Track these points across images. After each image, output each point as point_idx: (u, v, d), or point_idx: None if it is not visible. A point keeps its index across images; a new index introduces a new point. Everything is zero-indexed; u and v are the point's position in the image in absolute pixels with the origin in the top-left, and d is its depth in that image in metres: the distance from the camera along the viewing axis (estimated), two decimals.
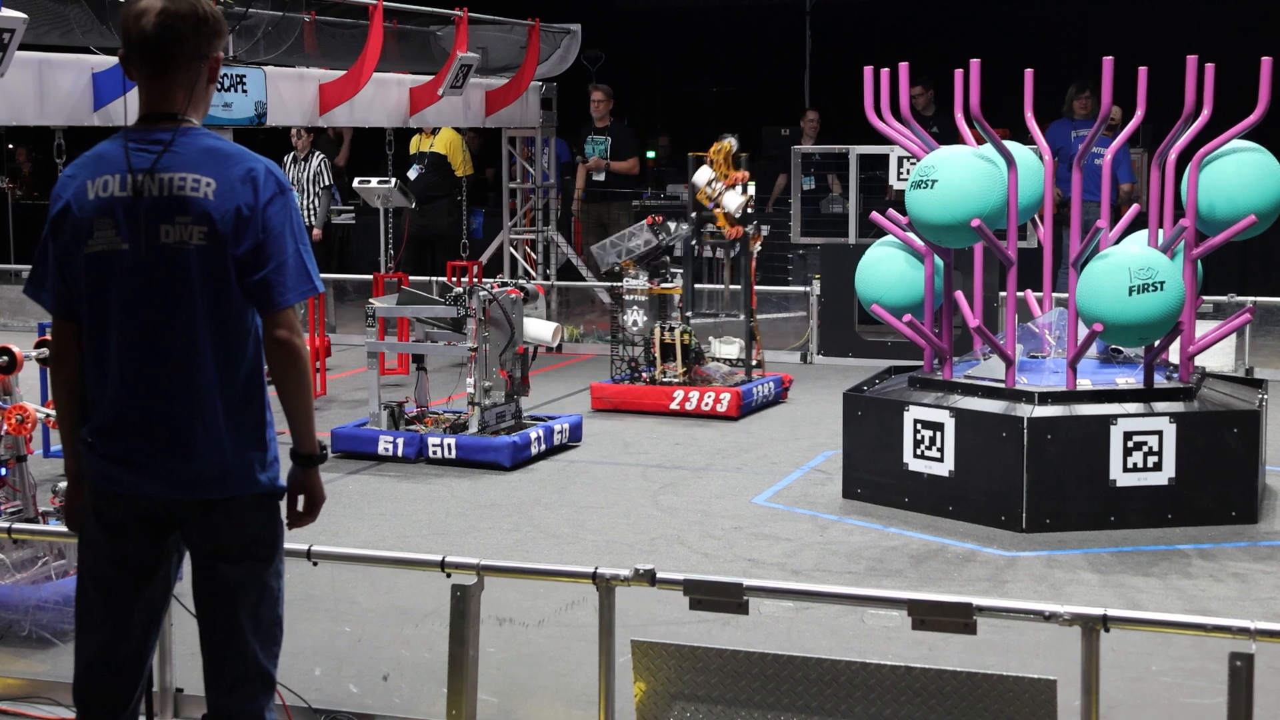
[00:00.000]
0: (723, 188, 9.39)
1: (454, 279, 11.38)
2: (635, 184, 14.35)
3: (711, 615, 4.66)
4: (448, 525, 6.88)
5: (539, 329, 8.30)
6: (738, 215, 9.45)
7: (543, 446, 8.13)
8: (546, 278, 12.94)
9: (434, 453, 7.97)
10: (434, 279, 12.23)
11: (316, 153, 13.72)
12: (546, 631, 5.34)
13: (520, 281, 8.53)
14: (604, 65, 17.03)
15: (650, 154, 17.25)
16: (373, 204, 11.52)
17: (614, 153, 13.87)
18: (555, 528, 6.82)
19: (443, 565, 3.98)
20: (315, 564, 4.16)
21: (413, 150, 13.85)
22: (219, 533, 3.36)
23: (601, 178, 13.97)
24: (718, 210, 9.39)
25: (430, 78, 10.84)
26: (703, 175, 9.47)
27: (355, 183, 11.37)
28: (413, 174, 13.68)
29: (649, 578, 3.82)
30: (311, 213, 13.95)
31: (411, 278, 11.05)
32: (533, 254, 13.11)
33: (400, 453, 8.03)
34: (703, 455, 8.27)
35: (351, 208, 16.09)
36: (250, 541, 3.38)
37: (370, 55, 9.80)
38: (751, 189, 9.60)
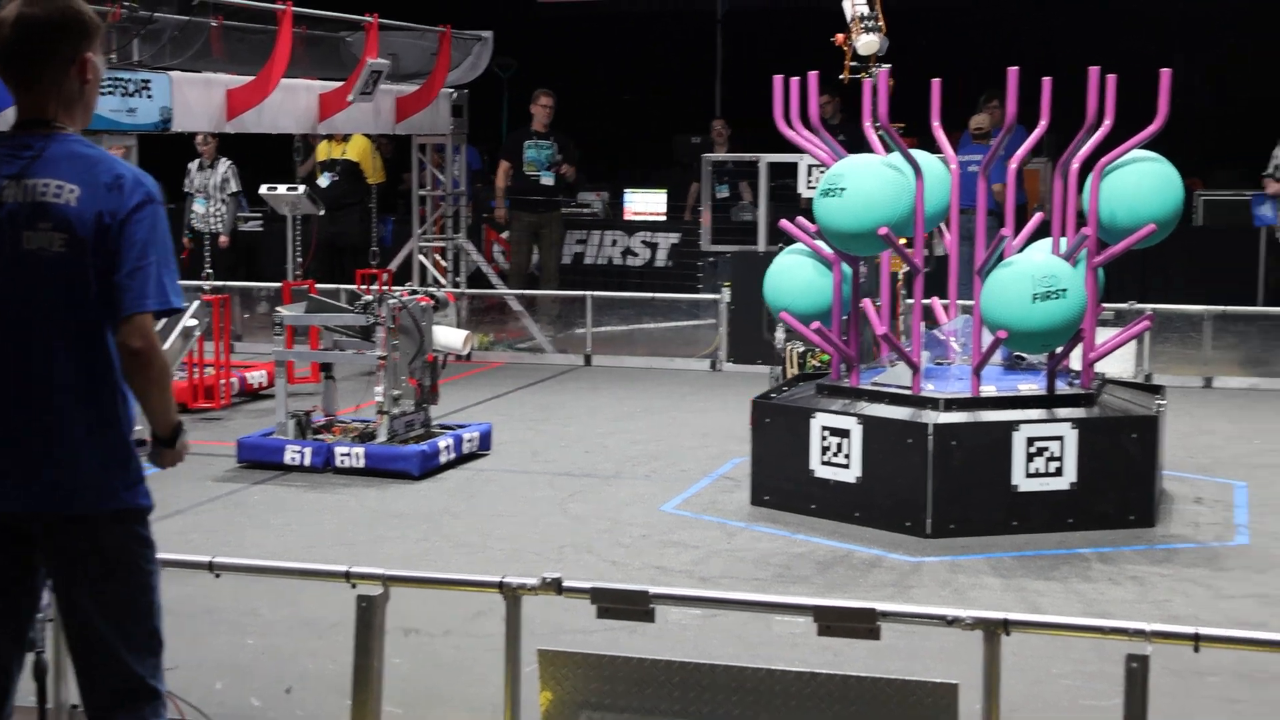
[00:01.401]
0: (875, 25, 8.01)
1: (363, 287, 11.32)
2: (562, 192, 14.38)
3: (619, 623, 4.66)
4: (354, 535, 6.83)
5: (449, 337, 8.26)
6: (868, 61, 8.04)
7: (452, 455, 8.10)
8: (456, 285, 12.89)
9: (342, 462, 7.90)
10: (343, 287, 12.14)
11: (223, 159, 13.60)
12: (453, 641, 5.32)
13: (430, 289, 8.46)
14: (516, 73, 17.01)
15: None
16: (281, 211, 11.43)
17: (559, 157, 13.92)
18: (463, 537, 6.80)
19: (348, 576, 3.95)
20: (217, 575, 4.12)
21: (321, 157, 13.76)
22: (78, 548, 3.29)
23: (551, 183, 13.94)
24: (847, 47, 8.04)
25: (340, 84, 10.77)
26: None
27: (263, 189, 11.28)
28: (325, 181, 13.60)
29: (556, 586, 3.82)
30: (219, 219, 13.82)
31: (320, 285, 10.96)
32: (442, 262, 13.06)
33: (308, 462, 7.95)
34: (612, 463, 8.28)
35: (259, 214, 15.97)
36: (111, 558, 3.30)
37: (279, 61, 9.72)
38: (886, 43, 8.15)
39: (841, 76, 7.65)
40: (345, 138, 13.49)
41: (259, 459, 8.07)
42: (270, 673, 5.03)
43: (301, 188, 11.08)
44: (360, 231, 13.19)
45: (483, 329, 12.68)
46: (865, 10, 7.89)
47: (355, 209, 13.52)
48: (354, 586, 3.91)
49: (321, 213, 11.61)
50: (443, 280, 12.94)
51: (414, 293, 8.21)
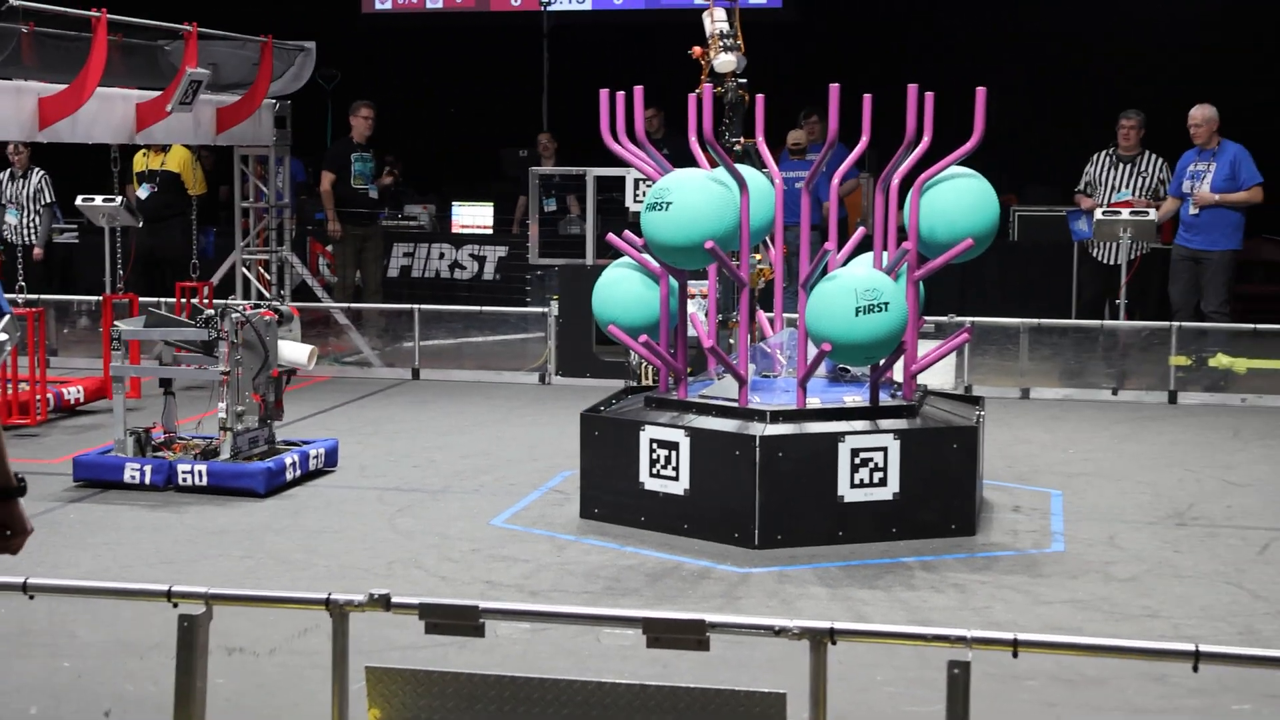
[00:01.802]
0: (734, 44, 7.94)
1: (183, 300, 11.09)
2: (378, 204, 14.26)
3: (448, 639, 4.62)
4: (175, 554, 6.68)
5: (294, 352, 8.10)
6: (724, 79, 7.97)
7: (298, 472, 7.96)
8: (281, 298, 12.69)
9: (184, 480, 7.70)
10: (163, 300, 11.88)
11: (36, 169, 13.23)
12: (279, 660, 5.23)
13: (274, 303, 8.28)
14: (340, 84, 16.83)
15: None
16: (97, 222, 11.16)
17: (380, 171, 13.84)
18: (288, 554, 6.69)
19: (169, 595, 3.85)
20: (31, 597, 3.98)
21: (138, 168, 13.46)
22: None
23: (376, 196, 13.88)
24: (705, 61, 7.99)
25: (158, 93, 10.54)
26: (721, 15, 8.02)
27: (78, 200, 10.99)
28: (144, 193, 13.31)
29: (384, 602, 3.77)
30: (32, 231, 13.44)
31: (141, 299, 10.72)
32: (266, 274, 12.85)
33: (148, 480, 7.74)
34: (440, 477, 8.22)
35: (74, 226, 15.57)
36: None
37: (93, 69, 9.47)
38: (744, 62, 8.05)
39: (697, 91, 7.68)
40: (165, 148, 13.20)
41: (97, 478, 7.83)
42: (88, 696, 4.89)
43: (119, 199, 10.82)
44: (181, 244, 12.93)
45: (307, 342, 12.47)
46: (725, 27, 7.91)
47: (175, 221, 13.24)
48: (175, 606, 3.81)
49: (140, 225, 11.35)
50: (266, 293, 12.74)
51: (257, 306, 8.05)
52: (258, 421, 8.01)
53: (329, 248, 15.01)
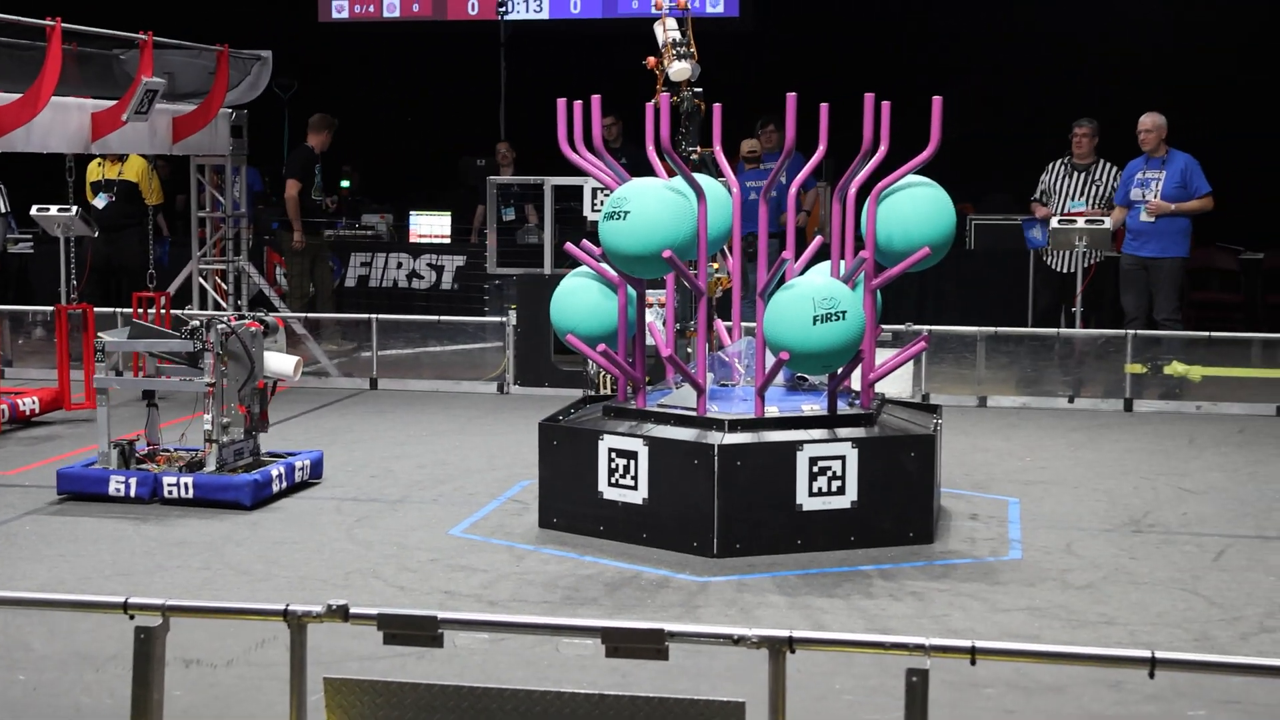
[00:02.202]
0: (688, 52, 7.83)
1: (139, 310, 11.02)
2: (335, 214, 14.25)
3: (407, 649, 4.61)
4: (133, 565, 6.64)
5: (280, 363, 8.03)
6: (679, 87, 7.84)
7: (284, 484, 7.89)
8: (238, 308, 12.63)
9: (170, 492, 7.63)
10: (119, 310, 11.81)
11: None
12: (236, 672, 5.20)
13: (259, 314, 8.19)
14: (297, 93, 16.78)
15: (344, 183, 17.08)
16: (52, 232, 11.07)
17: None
18: (246, 565, 6.65)
19: (125, 606, 3.83)
20: None
21: (93, 178, 13.38)
22: None
23: (331, 208, 13.96)
24: (660, 71, 7.83)
25: (114, 102, 10.48)
26: (673, 25, 7.88)
27: (33, 210, 10.91)
28: (101, 202, 13.23)
29: (342, 613, 3.76)
30: None
31: (97, 309, 10.65)
32: (223, 284, 12.79)
33: (133, 493, 7.66)
34: (398, 487, 8.19)
35: (29, 236, 15.47)
36: None
37: (48, 78, 9.41)
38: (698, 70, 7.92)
39: (654, 101, 7.66)
40: (121, 158, 13.13)
41: (81, 490, 7.75)
42: (43, 709, 4.85)
43: (74, 209, 10.76)
44: (137, 253, 12.85)
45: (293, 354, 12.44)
46: (678, 36, 7.90)
47: (132, 231, 13.17)
48: (132, 618, 3.79)
49: (96, 234, 11.28)
50: (223, 303, 12.68)
51: (241, 317, 7.99)
52: (243, 433, 7.93)
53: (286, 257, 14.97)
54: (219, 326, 7.71)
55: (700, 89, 7.69)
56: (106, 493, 7.71)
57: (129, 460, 7.89)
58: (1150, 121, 11.88)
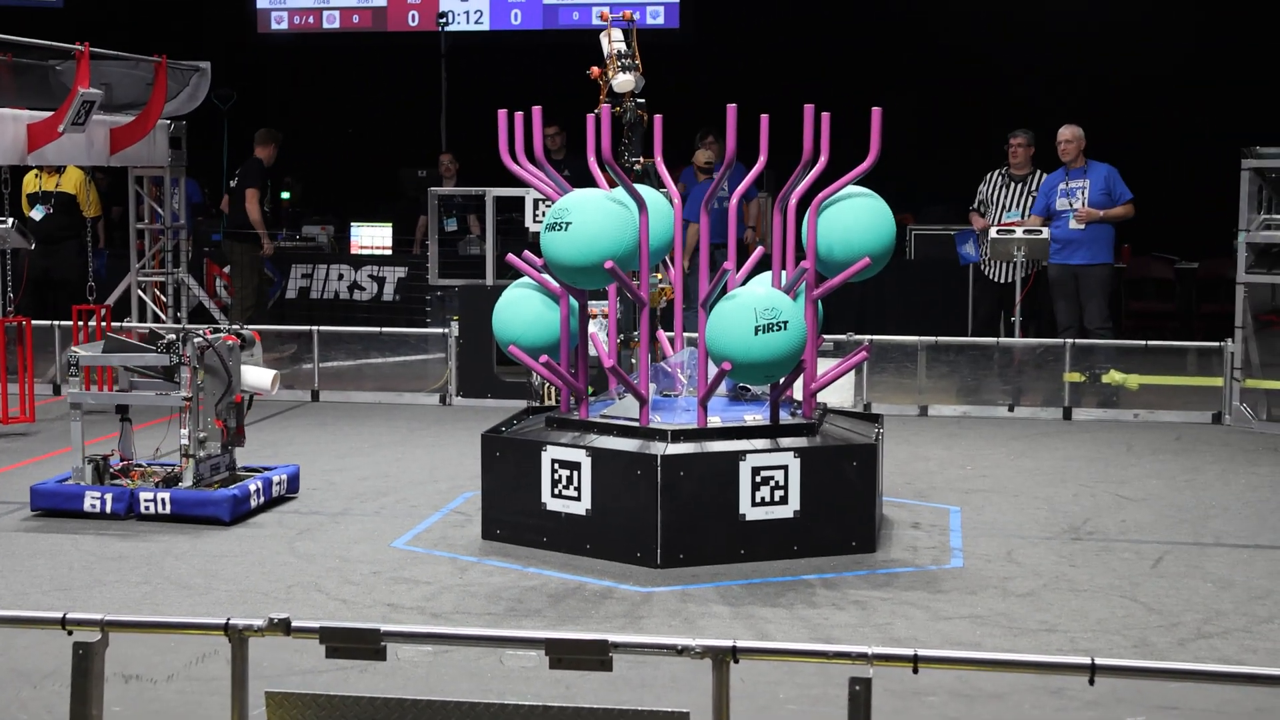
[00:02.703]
0: (633, 63, 7.90)
1: (80, 324, 10.92)
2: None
3: (349, 662, 4.57)
4: (71, 580, 6.57)
5: (257, 377, 7.93)
6: (623, 98, 7.90)
7: (262, 499, 7.81)
8: (178, 320, 12.54)
9: (147, 508, 7.52)
10: (56, 324, 11.69)
11: None
12: (177, 687, 5.15)
13: (236, 327, 8.07)
14: (236, 104, 16.68)
15: (284, 195, 16.99)
16: None
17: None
18: (186, 579, 6.60)
19: (63, 622, 3.79)
20: None
21: (30, 189, 13.26)
22: None
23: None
24: (603, 81, 7.88)
25: (50, 114, 10.38)
26: (618, 36, 7.98)
27: None
28: (38, 214, 13.11)
29: (284, 627, 3.73)
30: None
31: (35, 322, 10.54)
32: (163, 296, 12.69)
33: (109, 509, 7.55)
34: (340, 500, 8.15)
35: None
36: None
37: None
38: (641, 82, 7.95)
39: (596, 111, 7.65)
40: (59, 169, 13.02)
41: (55, 507, 7.62)
42: None
43: (10, 220, 10.65)
44: (76, 266, 12.74)
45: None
46: (623, 48, 7.90)
47: (71, 243, 13.05)
48: (70, 633, 3.75)
49: (33, 246, 11.17)
50: (163, 315, 12.58)
51: (217, 331, 7.88)
52: (219, 448, 7.83)
53: (226, 269, 14.88)
54: (195, 340, 7.60)
55: (643, 100, 7.71)
56: (82, 509, 7.58)
57: (103, 475, 7.77)
58: (1070, 133, 12.05)
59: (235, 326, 8.03)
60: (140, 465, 7.97)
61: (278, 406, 11.26)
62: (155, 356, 7.77)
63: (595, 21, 18.95)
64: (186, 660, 5.31)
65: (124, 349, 7.97)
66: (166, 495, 7.55)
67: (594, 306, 7.94)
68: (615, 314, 7.67)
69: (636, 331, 7.34)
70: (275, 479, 8.02)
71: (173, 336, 7.71)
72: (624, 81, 7.74)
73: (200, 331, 7.80)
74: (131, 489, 7.63)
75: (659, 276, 7.74)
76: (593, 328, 7.68)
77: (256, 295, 14.06)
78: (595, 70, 7.75)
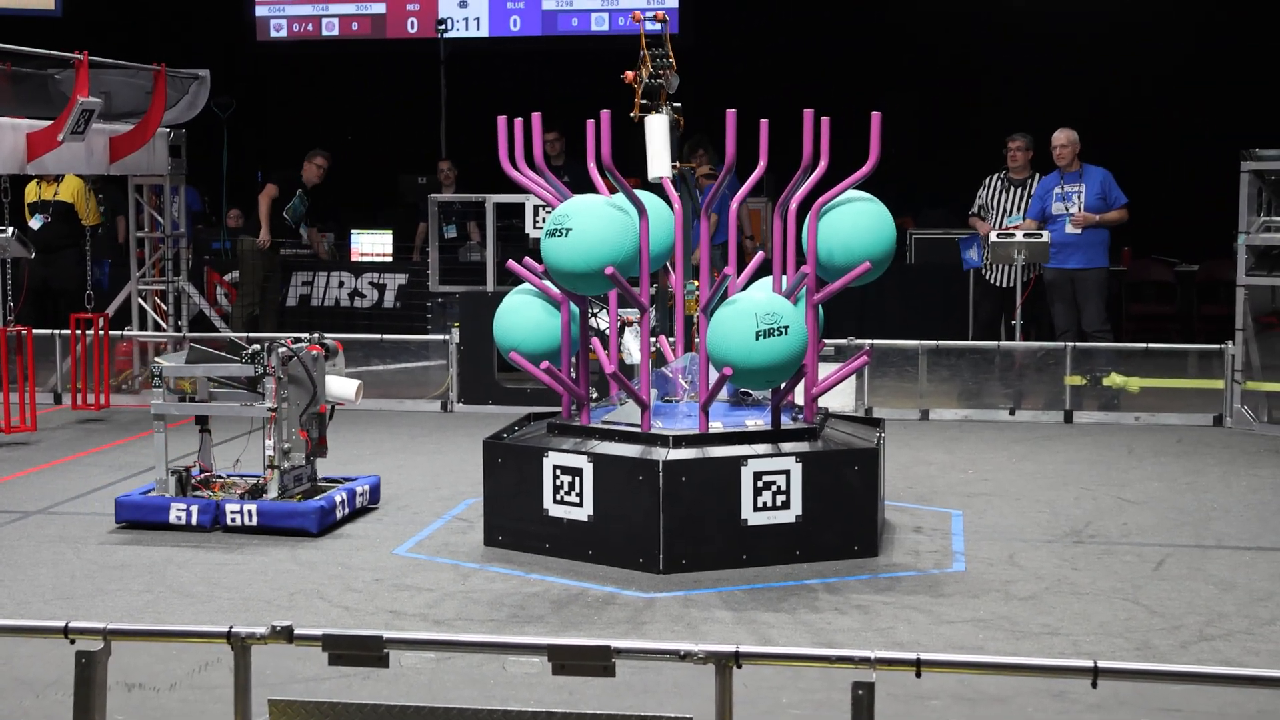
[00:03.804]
0: (667, 63, 7.68)
1: (79, 333, 10.92)
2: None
3: (352, 670, 4.58)
4: (74, 589, 6.57)
5: (341, 387, 7.87)
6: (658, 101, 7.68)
7: (346, 510, 7.75)
8: (178, 329, 12.54)
9: (233, 520, 7.45)
10: (57, 332, 11.70)
11: None
12: (179, 695, 5.15)
13: (319, 336, 8.01)
14: (235, 112, 16.69)
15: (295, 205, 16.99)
16: None
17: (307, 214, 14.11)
18: (189, 587, 6.60)
19: (66, 631, 3.79)
20: None
21: (30, 199, 13.27)
22: None
23: (303, 237, 14.13)
24: (637, 84, 7.61)
25: (49, 122, 10.39)
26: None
27: None
28: (37, 223, 13.12)
29: (286, 634, 3.73)
30: None
31: (35, 331, 10.54)
32: (163, 305, 12.70)
33: (194, 521, 7.48)
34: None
35: None
36: None
37: None
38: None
39: (632, 114, 7.56)
40: (58, 178, 13.03)
41: (140, 519, 7.55)
42: None
43: (10, 230, 10.66)
44: (75, 275, 12.74)
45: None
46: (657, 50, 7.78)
47: (70, 252, 13.06)
48: (73, 642, 3.75)
49: (32, 255, 11.18)
50: (163, 324, 12.59)
51: (297, 340, 7.79)
52: (303, 459, 7.75)
53: (227, 276, 14.89)
54: (280, 350, 7.53)
55: (679, 104, 7.65)
56: (167, 521, 7.51)
57: (185, 487, 7.70)
58: (1065, 137, 12.06)
59: (318, 336, 7.94)
60: (220, 476, 7.88)
61: None
62: (239, 367, 7.66)
63: (594, 28, 18.98)
64: (189, 669, 5.30)
65: (208, 359, 7.84)
66: (253, 507, 7.46)
67: (627, 314, 7.94)
68: (615, 320, 7.66)
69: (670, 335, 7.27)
70: (359, 489, 7.93)
71: (257, 346, 7.62)
72: (673, 83, 7.58)
73: (283, 341, 7.71)
74: (217, 501, 7.54)
75: (695, 284, 7.72)
76: (629, 335, 7.66)
77: (261, 296, 14.04)
78: (629, 75, 7.64)
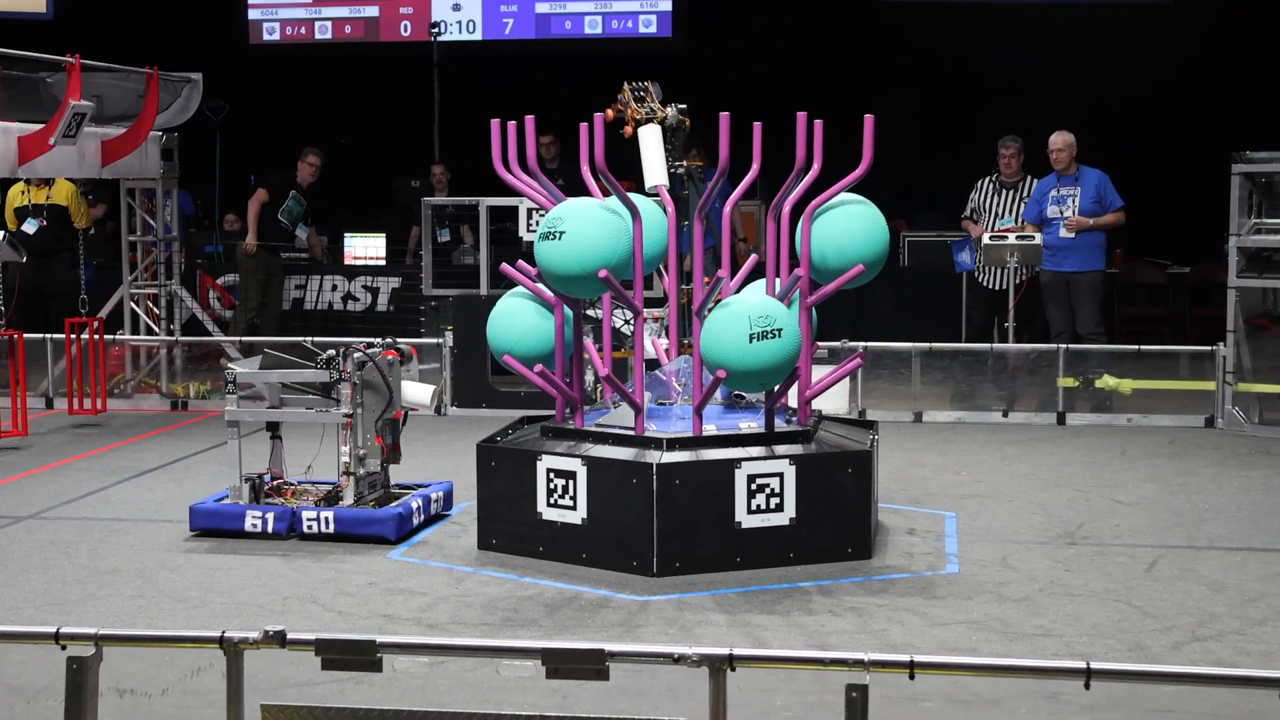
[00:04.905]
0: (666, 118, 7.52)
1: (72, 336, 10.91)
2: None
3: (345, 674, 4.58)
4: (65, 594, 6.55)
5: (416, 392, 7.81)
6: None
7: (423, 516, 7.70)
8: (170, 333, 12.53)
9: (309, 527, 7.37)
10: (49, 336, 11.68)
11: None
12: (172, 701, 5.14)
13: (394, 341, 7.91)
14: (228, 115, 16.67)
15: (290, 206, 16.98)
16: None
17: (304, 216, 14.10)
18: (182, 592, 6.58)
19: (57, 636, 3.78)
20: None
21: (17, 203, 13.25)
22: None
23: (302, 238, 14.12)
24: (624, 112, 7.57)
25: (41, 126, 10.38)
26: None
27: None
28: (31, 228, 13.10)
29: (279, 639, 3.73)
30: None
31: (26, 335, 10.52)
32: (155, 309, 12.68)
33: (270, 528, 7.40)
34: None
35: None
36: None
37: None
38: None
39: (623, 131, 7.46)
40: (48, 182, 13.01)
41: (216, 527, 7.49)
42: None
43: (1, 234, 10.65)
44: (68, 279, 12.72)
45: (199, 377, 12.33)
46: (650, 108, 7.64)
47: (64, 255, 13.04)
48: (64, 648, 3.74)
49: (23, 259, 11.16)
50: (155, 328, 12.57)
51: (370, 345, 7.69)
52: (378, 465, 7.68)
53: (220, 280, 14.86)
54: (355, 355, 7.46)
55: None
56: (243, 528, 7.44)
57: (259, 494, 7.61)
58: (1061, 140, 12.07)
59: (391, 340, 7.85)
60: (292, 484, 7.80)
61: None
62: (314, 373, 7.58)
63: (587, 31, 18.99)
64: (181, 674, 5.29)
65: (282, 365, 7.74)
66: (330, 514, 7.38)
67: (655, 311, 7.93)
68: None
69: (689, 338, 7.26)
70: (433, 496, 7.87)
71: (332, 352, 7.54)
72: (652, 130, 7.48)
73: (358, 346, 7.62)
74: (292, 508, 7.46)
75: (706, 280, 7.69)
76: (648, 334, 7.62)
77: (261, 300, 14.03)
78: (609, 113, 7.53)
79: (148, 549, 7.31)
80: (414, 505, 7.62)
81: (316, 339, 10.80)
